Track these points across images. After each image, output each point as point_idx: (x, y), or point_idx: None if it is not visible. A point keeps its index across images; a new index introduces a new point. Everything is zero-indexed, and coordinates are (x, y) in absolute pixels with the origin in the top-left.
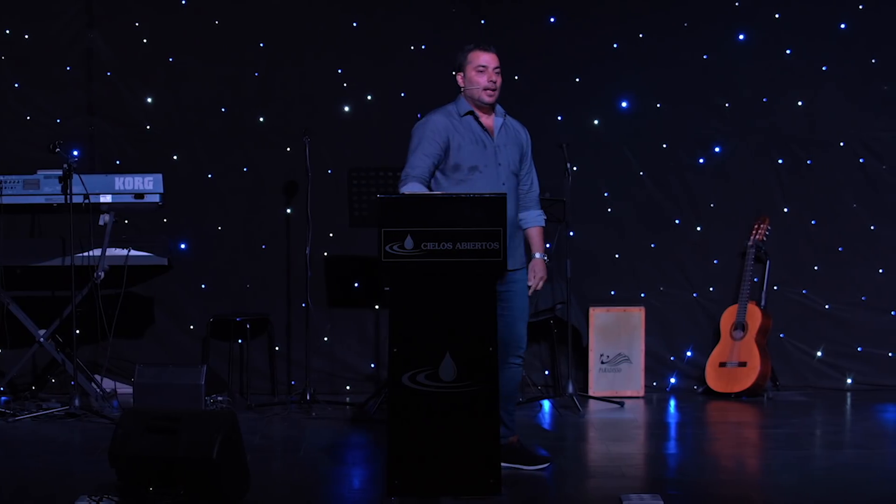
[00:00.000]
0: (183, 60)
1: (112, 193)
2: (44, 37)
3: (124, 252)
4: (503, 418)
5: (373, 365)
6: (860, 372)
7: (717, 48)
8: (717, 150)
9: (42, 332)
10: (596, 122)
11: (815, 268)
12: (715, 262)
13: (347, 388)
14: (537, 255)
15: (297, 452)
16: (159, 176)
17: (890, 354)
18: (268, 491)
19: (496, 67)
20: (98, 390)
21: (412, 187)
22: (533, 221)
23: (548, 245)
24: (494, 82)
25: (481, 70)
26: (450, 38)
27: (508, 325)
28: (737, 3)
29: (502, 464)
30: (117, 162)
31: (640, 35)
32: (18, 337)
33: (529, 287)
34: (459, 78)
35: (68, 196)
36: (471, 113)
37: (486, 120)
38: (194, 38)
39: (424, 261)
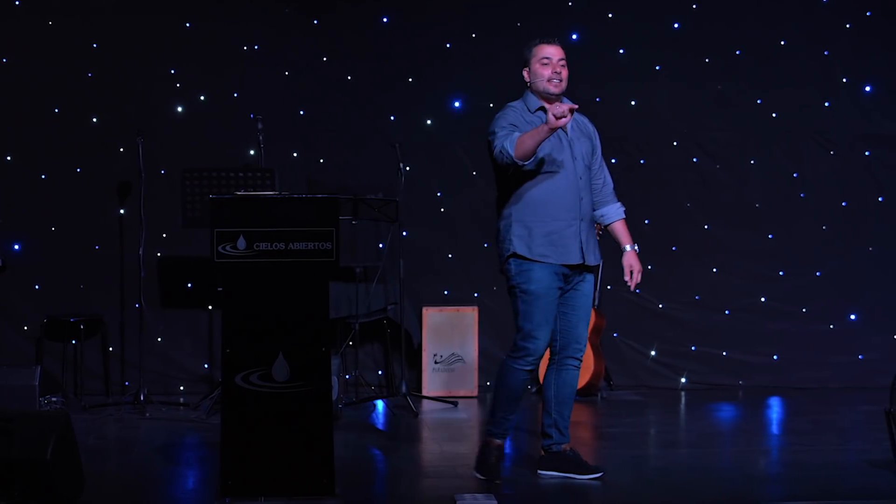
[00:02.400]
0: (15, 61)
1: None
2: None
3: None
4: (558, 423)
5: (206, 365)
6: (694, 371)
7: None
8: None
9: None
10: (429, 121)
11: (649, 267)
12: None
13: (181, 388)
14: (628, 248)
15: (131, 453)
16: None
17: (724, 353)
18: (102, 491)
19: (561, 59)
20: None
21: (512, 138)
22: (615, 215)
23: (380, 245)
24: (559, 73)
25: (546, 62)
26: (282, 39)
27: (572, 325)
28: (570, 3)
29: (555, 472)
30: None
31: (473, 35)
32: None
33: (628, 283)
34: (525, 73)
35: None
36: (542, 108)
37: None
38: (27, 39)
39: (257, 261)
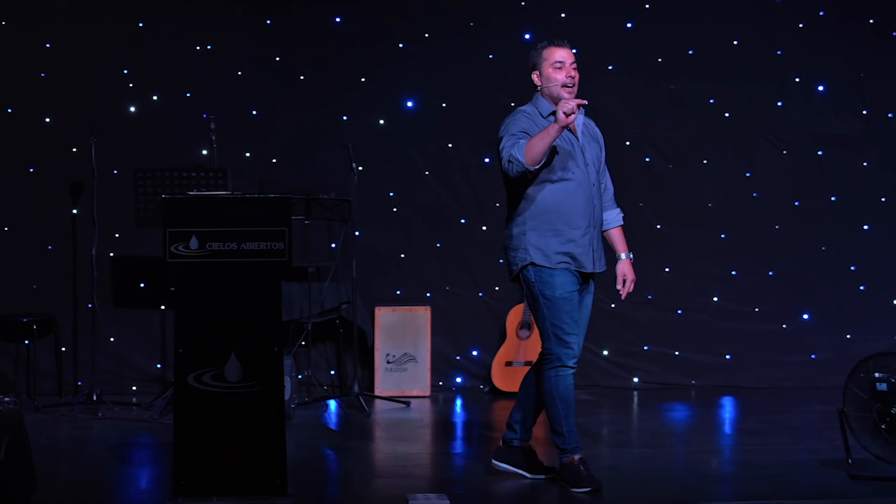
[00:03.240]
0: None
1: None
2: None
3: None
4: (527, 423)
5: (159, 365)
6: (647, 371)
7: (503, 48)
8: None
9: None
10: (382, 121)
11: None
12: (500, 261)
13: (134, 388)
14: (623, 256)
15: (84, 453)
16: None
17: (676, 353)
18: (55, 491)
19: (573, 63)
20: None
21: (521, 144)
22: (615, 221)
23: (333, 245)
24: (573, 78)
25: (559, 66)
26: (235, 39)
27: None
28: (522, 3)
29: (508, 466)
30: None
31: (426, 35)
32: None
33: (619, 290)
34: (535, 76)
35: None
36: (554, 113)
37: None
38: None
39: (209, 261)
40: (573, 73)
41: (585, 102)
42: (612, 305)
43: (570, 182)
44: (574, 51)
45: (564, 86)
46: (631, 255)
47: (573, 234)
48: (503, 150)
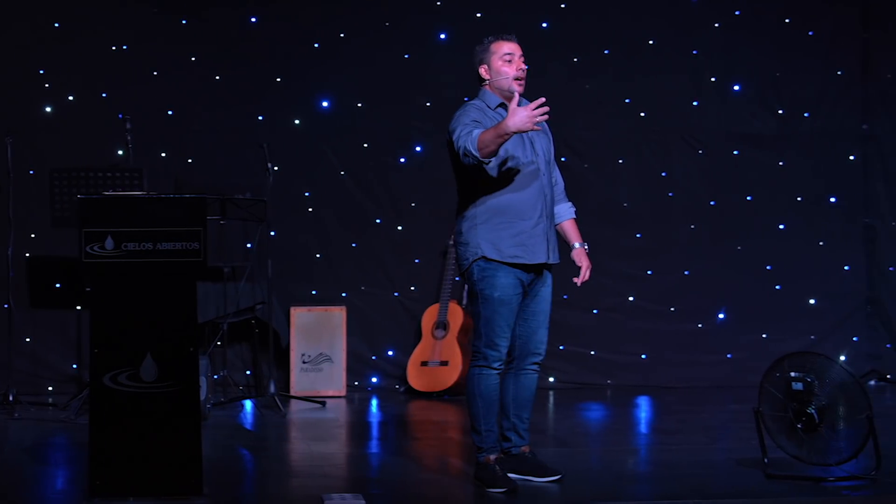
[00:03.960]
0: None
1: None
2: None
3: None
4: (517, 427)
5: (75, 366)
6: (562, 370)
7: (418, 47)
8: (417, 149)
9: None
10: (297, 122)
11: None
12: (416, 261)
13: (50, 388)
14: (577, 245)
15: (0, 453)
16: None
17: (592, 353)
18: None
19: (521, 55)
20: None
21: (475, 134)
22: (566, 214)
23: (248, 245)
24: (524, 70)
25: (508, 59)
26: (151, 40)
27: (531, 331)
28: (438, 3)
29: (514, 474)
30: None
31: (342, 35)
32: None
33: (575, 280)
34: (483, 70)
35: None
36: (502, 105)
37: None
38: None
39: (125, 261)
40: (523, 65)
41: (547, 109)
42: None
43: (521, 174)
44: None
45: (516, 78)
46: (585, 245)
47: (524, 225)
48: (457, 141)
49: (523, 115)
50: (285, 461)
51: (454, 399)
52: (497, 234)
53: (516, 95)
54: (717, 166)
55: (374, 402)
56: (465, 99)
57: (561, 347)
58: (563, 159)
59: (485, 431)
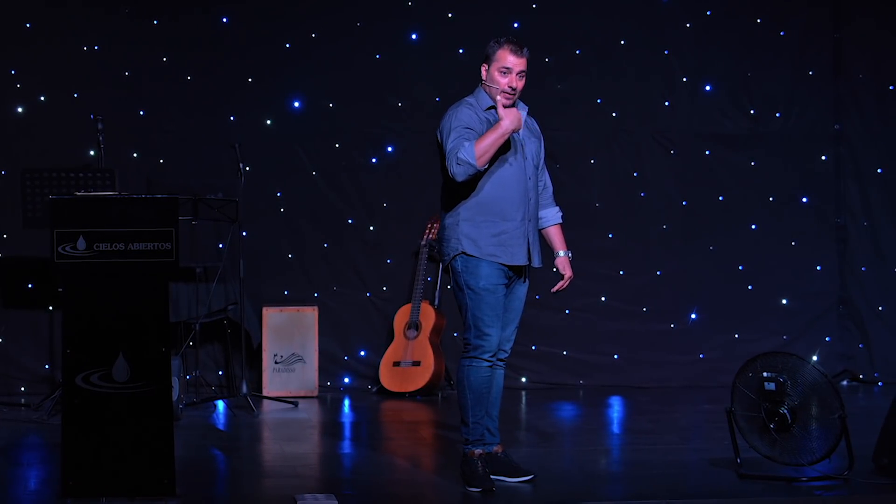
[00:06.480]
0: None
1: None
2: None
3: None
4: (488, 425)
5: (47, 366)
6: (534, 371)
7: (390, 48)
8: (389, 149)
9: None
10: (269, 122)
11: None
12: (388, 261)
13: (22, 389)
14: (561, 253)
15: None
16: None
17: (564, 353)
18: None
19: (521, 71)
20: None
21: (468, 146)
22: (553, 219)
23: (220, 245)
24: (514, 88)
25: (504, 72)
26: (122, 40)
27: (502, 326)
28: (409, 3)
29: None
30: None
31: (313, 35)
32: None
33: (553, 289)
34: (483, 69)
35: None
36: (493, 108)
37: None
38: None
39: (97, 261)
40: (517, 83)
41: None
42: None
43: (506, 175)
44: (526, 54)
45: (503, 92)
46: (569, 254)
47: (506, 225)
48: (450, 149)
49: (516, 113)
50: (258, 461)
51: (426, 399)
52: (478, 232)
53: (500, 100)
54: (689, 166)
55: (347, 402)
56: (438, 99)
57: (533, 347)
58: None
59: (472, 423)
